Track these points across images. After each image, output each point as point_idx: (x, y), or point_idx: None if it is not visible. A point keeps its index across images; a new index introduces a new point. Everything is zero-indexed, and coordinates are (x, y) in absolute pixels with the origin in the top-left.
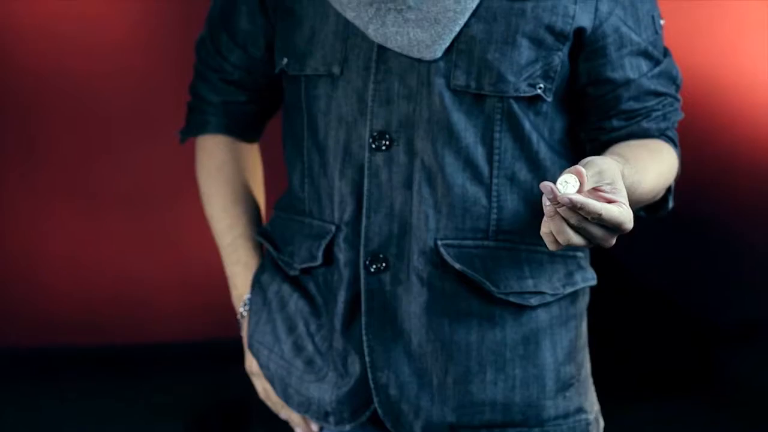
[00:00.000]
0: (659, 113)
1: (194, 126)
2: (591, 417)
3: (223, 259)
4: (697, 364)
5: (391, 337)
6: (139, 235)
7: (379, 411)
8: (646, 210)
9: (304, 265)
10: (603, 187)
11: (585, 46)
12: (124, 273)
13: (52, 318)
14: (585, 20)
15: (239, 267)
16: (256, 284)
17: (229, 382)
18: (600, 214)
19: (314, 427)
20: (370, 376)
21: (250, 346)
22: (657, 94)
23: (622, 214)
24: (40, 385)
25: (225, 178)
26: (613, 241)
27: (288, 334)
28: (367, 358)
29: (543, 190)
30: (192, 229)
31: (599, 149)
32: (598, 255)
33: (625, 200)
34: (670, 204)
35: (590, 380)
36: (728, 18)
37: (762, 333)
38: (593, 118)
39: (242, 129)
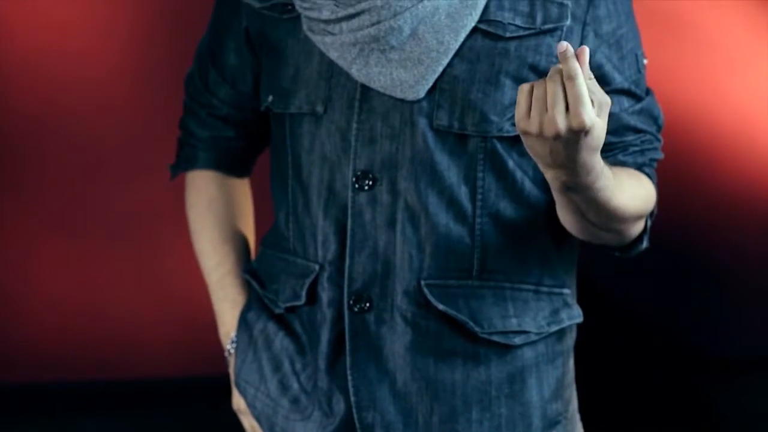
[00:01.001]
0: (637, 148)
1: (184, 161)
2: None
3: (212, 295)
4: (686, 398)
5: (377, 376)
6: (127, 272)
7: None
8: (620, 250)
9: (288, 304)
10: None
11: None
12: (112, 310)
13: (37, 354)
14: None
15: (227, 304)
16: (242, 322)
17: (217, 419)
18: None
19: None
20: (355, 416)
21: (237, 385)
22: (636, 130)
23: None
24: (24, 421)
25: (214, 215)
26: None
27: (274, 373)
28: (352, 398)
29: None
30: (181, 266)
31: None
32: (585, 291)
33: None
34: (644, 244)
35: (577, 416)
36: (713, 54)
37: (756, 366)
38: None
39: (232, 164)
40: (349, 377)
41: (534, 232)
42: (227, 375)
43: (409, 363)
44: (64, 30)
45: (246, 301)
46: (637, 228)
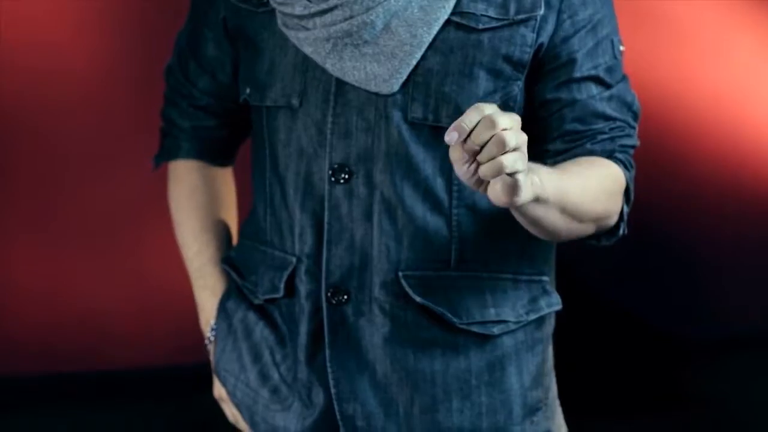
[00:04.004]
0: (606, 136)
1: (166, 151)
2: None
3: (193, 284)
4: (667, 382)
5: (356, 368)
6: (107, 262)
7: None
8: (596, 238)
9: (267, 296)
10: None
11: (536, 69)
12: (92, 300)
13: (17, 347)
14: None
15: (207, 292)
16: (222, 311)
17: (199, 407)
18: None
19: None
20: (336, 407)
21: (217, 373)
22: (606, 117)
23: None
24: (3, 414)
25: (195, 204)
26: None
27: (254, 363)
28: (332, 390)
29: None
30: (162, 255)
31: None
32: (563, 277)
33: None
34: (622, 230)
35: (557, 402)
36: (694, 40)
37: (733, 349)
38: (538, 141)
39: (214, 154)
40: (329, 369)
41: (511, 221)
42: (209, 363)
43: (388, 354)
44: (38, 22)
45: (225, 290)
46: (608, 219)
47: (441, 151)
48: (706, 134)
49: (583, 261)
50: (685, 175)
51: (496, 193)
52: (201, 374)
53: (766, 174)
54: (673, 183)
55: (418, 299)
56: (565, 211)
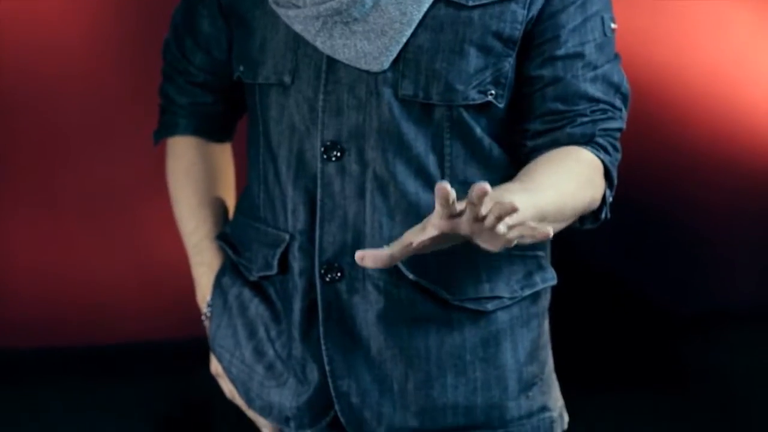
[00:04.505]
0: (587, 119)
1: (164, 128)
2: (555, 414)
3: (190, 260)
4: (663, 356)
5: (350, 345)
6: (105, 237)
7: (342, 419)
8: (580, 221)
9: (261, 273)
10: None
11: (526, 45)
12: (90, 275)
13: (15, 321)
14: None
15: (203, 268)
16: (217, 287)
17: (195, 382)
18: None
19: None
20: (330, 384)
21: (213, 349)
22: (590, 98)
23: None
24: (1, 388)
25: (193, 180)
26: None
27: (248, 339)
28: (327, 367)
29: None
30: (161, 230)
31: (524, 159)
32: (560, 251)
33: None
34: (604, 214)
35: (553, 376)
36: (691, 16)
37: (727, 322)
38: (520, 120)
39: (212, 130)
40: (323, 346)
41: None
42: (206, 338)
43: (382, 331)
44: None
45: (221, 266)
46: (591, 207)
47: (432, 128)
48: (703, 110)
49: (580, 236)
50: (681, 151)
51: (486, 245)
52: (203, 349)
53: (762, 149)
54: (669, 158)
55: (411, 276)
56: (545, 220)
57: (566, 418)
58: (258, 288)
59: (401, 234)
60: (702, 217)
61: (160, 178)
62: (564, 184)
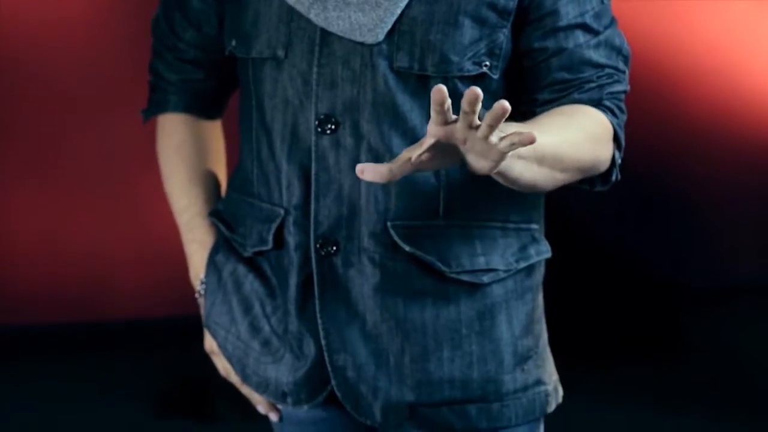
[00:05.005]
0: (593, 84)
1: (155, 105)
2: (550, 388)
3: (182, 237)
4: (660, 329)
5: (346, 319)
6: (103, 213)
7: (338, 394)
8: (589, 183)
9: (256, 249)
10: None
11: (522, 17)
12: (85, 252)
13: (16, 296)
14: None
15: (195, 245)
16: (211, 264)
17: (192, 358)
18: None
19: (273, 416)
20: (327, 359)
21: (208, 327)
22: (595, 65)
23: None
24: (1, 363)
25: (183, 157)
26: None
27: (244, 316)
28: (323, 341)
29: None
30: (155, 207)
31: None
32: (559, 224)
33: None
34: (614, 176)
35: (548, 350)
36: None
37: (729, 297)
38: (527, 91)
39: (202, 106)
40: (319, 321)
41: None
42: (200, 315)
43: (378, 304)
44: None
45: (214, 243)
46: (598, 166)
47: (427, 99)
48: (705, 82)
49: (580, 208)
50: (684, 123)
51: (479, 163)
52: (195, 326)
53: (764, 121)
54: (671, 131)
55: (407, 248)
56: (543, 163)
57: (561, 392)
58: (252, 264)
59: (397, 207)
60: (703, 192)
61: None
62: (568, 132)
